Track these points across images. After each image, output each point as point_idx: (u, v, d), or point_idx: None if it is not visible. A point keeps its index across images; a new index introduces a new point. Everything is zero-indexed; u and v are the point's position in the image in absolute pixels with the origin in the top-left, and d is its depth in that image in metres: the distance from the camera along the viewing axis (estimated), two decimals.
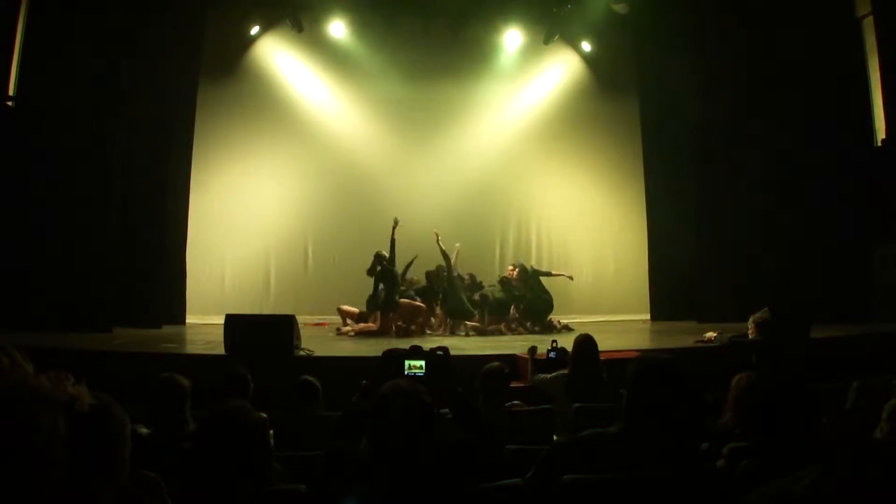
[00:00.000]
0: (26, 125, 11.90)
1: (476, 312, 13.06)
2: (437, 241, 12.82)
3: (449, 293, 12.88)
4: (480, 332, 12.73)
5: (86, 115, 12.04)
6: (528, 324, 13.28)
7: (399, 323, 12.55)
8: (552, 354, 7.53)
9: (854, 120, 13.75)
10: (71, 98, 11.97)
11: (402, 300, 12.49)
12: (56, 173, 11.91)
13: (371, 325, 12.43)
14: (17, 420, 1.43)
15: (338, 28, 15.03)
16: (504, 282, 13.44)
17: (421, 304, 12.66)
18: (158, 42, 12.76)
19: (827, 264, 13.14)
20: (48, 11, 12.25)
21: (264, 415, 4.04)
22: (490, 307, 13.10)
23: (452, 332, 12.82)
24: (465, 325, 12.80)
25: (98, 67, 12.15)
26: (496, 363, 5.68)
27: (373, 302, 12.56)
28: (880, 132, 13.64)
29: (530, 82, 16.33)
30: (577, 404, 5.49)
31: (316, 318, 13.85)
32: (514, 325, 13.27)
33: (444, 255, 12.84)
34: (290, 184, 15.31)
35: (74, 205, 11.99)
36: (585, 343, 6.49)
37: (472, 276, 13.69)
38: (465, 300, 12.92)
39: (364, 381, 3.47)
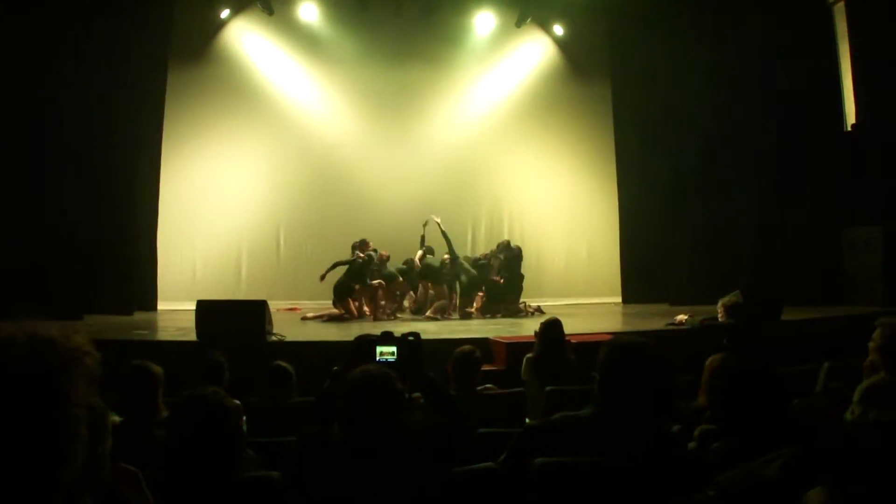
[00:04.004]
0: None
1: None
2: (440, 225, 12.98)
3: (464, 273, 12.91)
4: (465, 316, 12.67)
5: (53, 100, 11.84)
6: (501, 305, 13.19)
7: (364, 308, 12.60)
8: None
9: (824, 105, 13.84)
10: (37, 83, 11.75)
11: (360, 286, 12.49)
12: (22, 161, 11.70)
13: (335, 311, 12.43)
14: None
15: (309, 11, 14.95)
16: (476, 262, 13.40)
17: (374, 284, 12.55)
18: (126, 25, 12.54)
19: (798, 248, 13.26)
20: None
21: (237, 401, 4.01)
22: (462, 287, 13.01)
23: (484, 314, 12.93)
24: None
25: (64, 50, 11.92)
26: (468, 346, 5.66)
27: (339, 289, 12.52)
28: (850, 117, 13.75)
29: (503, 66, 16.30)
30: (549, 387, 5.49)
31: (288, 304, 13.81)
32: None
33: (447, 238, 12.95)
34: (261, 168, 15.18)
35: (43, 193, 11.80)
36: (551, 326, 6.52)
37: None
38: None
39: (335, 368, 3.46)
